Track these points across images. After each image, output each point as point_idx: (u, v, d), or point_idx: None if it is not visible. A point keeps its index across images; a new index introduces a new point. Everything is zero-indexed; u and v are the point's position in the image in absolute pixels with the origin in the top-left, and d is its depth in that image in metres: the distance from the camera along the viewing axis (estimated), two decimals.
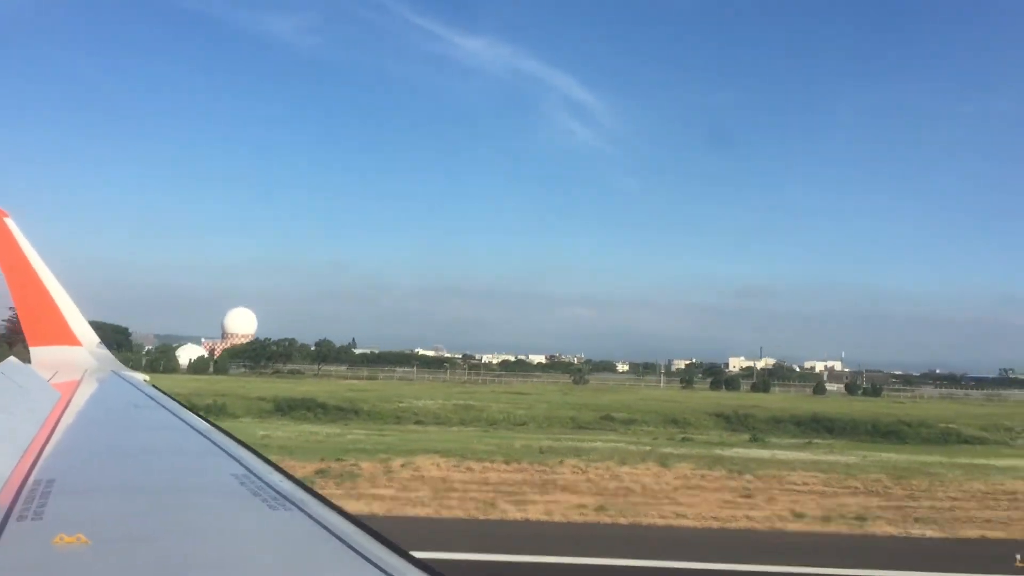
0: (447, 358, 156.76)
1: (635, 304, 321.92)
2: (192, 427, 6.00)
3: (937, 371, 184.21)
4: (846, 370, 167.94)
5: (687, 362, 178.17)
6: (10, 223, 12.72)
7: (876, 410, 64.79)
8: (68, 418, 6.46)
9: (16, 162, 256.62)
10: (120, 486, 3.80)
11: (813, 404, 73.66)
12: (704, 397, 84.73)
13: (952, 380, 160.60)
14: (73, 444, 5.17)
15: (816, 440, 45.93)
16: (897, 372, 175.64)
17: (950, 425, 52.61)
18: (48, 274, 12.87)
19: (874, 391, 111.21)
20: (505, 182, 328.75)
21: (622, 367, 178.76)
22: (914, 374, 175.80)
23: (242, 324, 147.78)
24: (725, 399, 78.84)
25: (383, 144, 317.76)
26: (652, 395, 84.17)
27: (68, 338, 12.85)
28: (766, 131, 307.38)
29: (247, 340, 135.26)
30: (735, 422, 52.91)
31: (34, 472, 3.78)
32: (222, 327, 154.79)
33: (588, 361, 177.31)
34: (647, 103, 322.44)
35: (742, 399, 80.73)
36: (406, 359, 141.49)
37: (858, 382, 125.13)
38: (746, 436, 46.34)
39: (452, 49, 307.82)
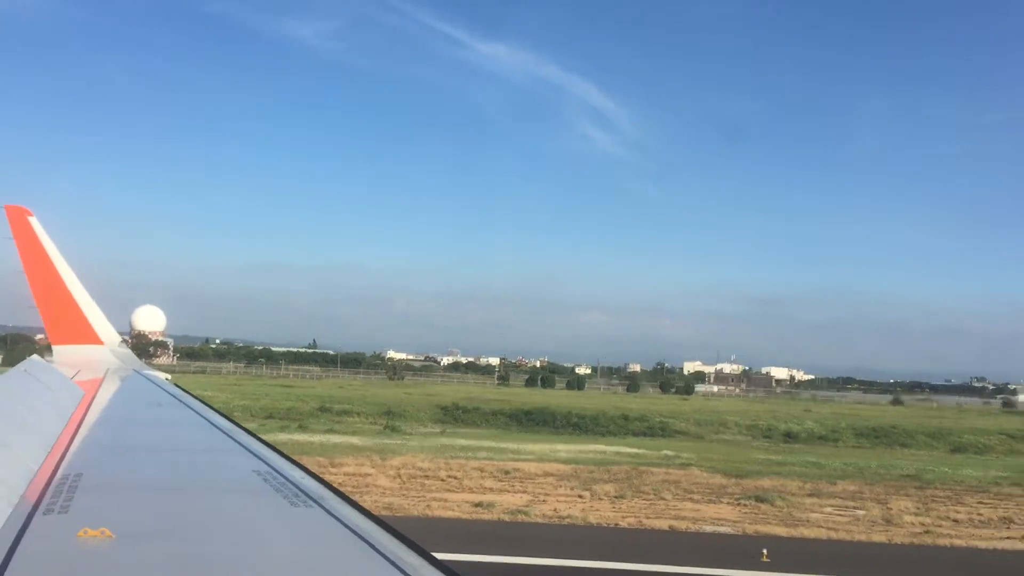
0: (350, 357, 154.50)
1: (635, 309, 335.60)
2: (215, 425, 6.06)
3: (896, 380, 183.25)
4: (795, 376, 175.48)
5: (637, 366, 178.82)
6: (34, 221, 12.63)
7: (603, 404, 66.18)
8: (93, 415, 6.53)
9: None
10: (144, 482, 3.85)
11: (564, 399, 73.30)
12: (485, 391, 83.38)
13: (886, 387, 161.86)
14: (98, 440, 5.23)
15: (451, 428, 47.21)
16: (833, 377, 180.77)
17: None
18: (70, 273, 12.80)
19: (687, 389, 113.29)
20: (522, 185, 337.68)
21: (583, 369, 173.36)
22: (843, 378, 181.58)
23: (150, 321, 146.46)
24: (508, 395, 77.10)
25: (401, 146, 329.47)
26: (421, 390, 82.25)
27: (90, 337, 12.86)
28: (782, 138, 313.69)
29: (155, 337, 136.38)
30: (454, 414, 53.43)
31: (61, 467, 3.84)
32: (130, 324, 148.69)
33: (548, 364, 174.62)
34: (666, 109, 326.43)
35: (521, 396, 78.22)
36: (307, 357, 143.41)
37: (735, 383, 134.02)
38: (453, 426, 48.00)
39: (474, 55, 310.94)
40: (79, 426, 5.55)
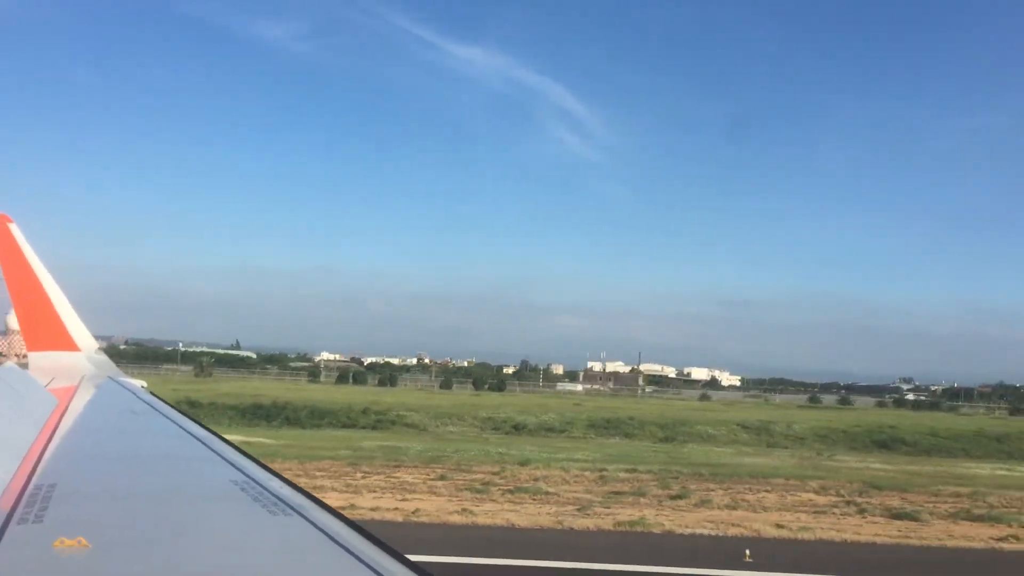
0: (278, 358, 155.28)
1: (608, 311, 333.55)
2: (191, 434, 5.98)
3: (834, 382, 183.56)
4: (717, 377, 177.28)
5: (559, 367, 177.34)
6: (14, 228, 12.61)
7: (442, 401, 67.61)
8: (67, 423, 6.42)
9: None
10: (120, 491, 3.79)
11: (331, 394, 71.11)
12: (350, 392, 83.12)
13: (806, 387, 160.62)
14: (73, 449, 5.15)
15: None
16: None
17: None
18: (49, 279, 12.76)
19: (499, 386, 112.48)
20: (494, 188, 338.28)
21: (510, 370, 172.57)
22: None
23: None
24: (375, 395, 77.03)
25: (373, 149, 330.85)
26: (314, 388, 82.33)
27: (66, 343, 12.75)
28: (753, 141, 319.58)
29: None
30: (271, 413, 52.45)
31: (35, 477, 3.77)
32: (5, 323, 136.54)
33: (475, 364, 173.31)
34: (639, 113, 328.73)
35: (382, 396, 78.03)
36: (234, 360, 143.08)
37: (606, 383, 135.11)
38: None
39: (447, 57, 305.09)
40: (53, 434, 5.43)
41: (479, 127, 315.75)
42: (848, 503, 26.97)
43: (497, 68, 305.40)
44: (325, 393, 72.24)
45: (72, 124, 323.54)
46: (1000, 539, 22.45)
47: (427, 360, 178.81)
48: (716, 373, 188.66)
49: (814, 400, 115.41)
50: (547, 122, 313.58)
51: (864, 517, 24.80)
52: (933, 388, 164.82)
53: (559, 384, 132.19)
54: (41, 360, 12.45)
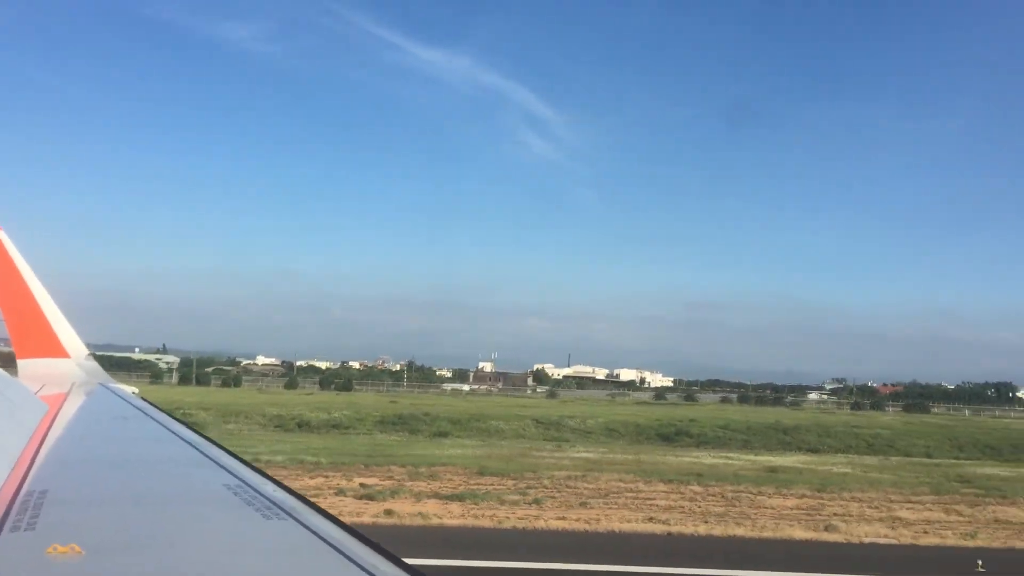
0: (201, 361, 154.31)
1: (574, 314, 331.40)
2: (183, 439, 5.99)
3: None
4: (646, 378, 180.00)
5: (398, 364, 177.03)
6: (3, 236, 12.54)
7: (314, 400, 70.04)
8: (58, 430, 6.45)
9: None
10: (113, 496, 3.78)
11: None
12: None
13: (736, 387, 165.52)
14: (65, 455, 5.14)
15: None
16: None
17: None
18: (39, 286, 12.70)
19: (345, 386, 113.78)
20: (459, 191, 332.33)
21: (444, 372, 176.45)
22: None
23: None
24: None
25: (337, 151, 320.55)
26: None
27: (56, 350, 12.66)
28: (717, 145, 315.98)
29: None
30: None
31: (26, 483, 3.77)
32: None
33: (409, 366, 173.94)
34: (604, 116, 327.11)
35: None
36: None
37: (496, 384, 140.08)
38: None
39: (413, 60, 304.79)
40: (43, 441, 5.44)
41: (445, 130, 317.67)
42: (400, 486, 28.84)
43: (463, 71, 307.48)
44: (159, 394, 73.08)
45: (30, 127, 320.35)
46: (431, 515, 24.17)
47: (383, 363, 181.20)
48: (646, 374, 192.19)
49: (726, 399, 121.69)
50: (513, 124, 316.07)
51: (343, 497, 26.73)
52: (866, 387, 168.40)
53: (445, 384, 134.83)
54: (31, 367, 12.36)
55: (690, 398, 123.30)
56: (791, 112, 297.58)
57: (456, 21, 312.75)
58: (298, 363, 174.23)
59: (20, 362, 12.55)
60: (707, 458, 42.60)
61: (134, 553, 2.69)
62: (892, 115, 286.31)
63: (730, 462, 40.96)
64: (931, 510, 28.36)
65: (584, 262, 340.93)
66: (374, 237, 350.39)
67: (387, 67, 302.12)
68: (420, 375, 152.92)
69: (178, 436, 6.16)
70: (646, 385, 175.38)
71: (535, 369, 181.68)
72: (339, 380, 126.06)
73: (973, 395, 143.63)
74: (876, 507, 28.35)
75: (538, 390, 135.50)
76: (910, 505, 29.19)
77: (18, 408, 6.80)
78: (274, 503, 3.49)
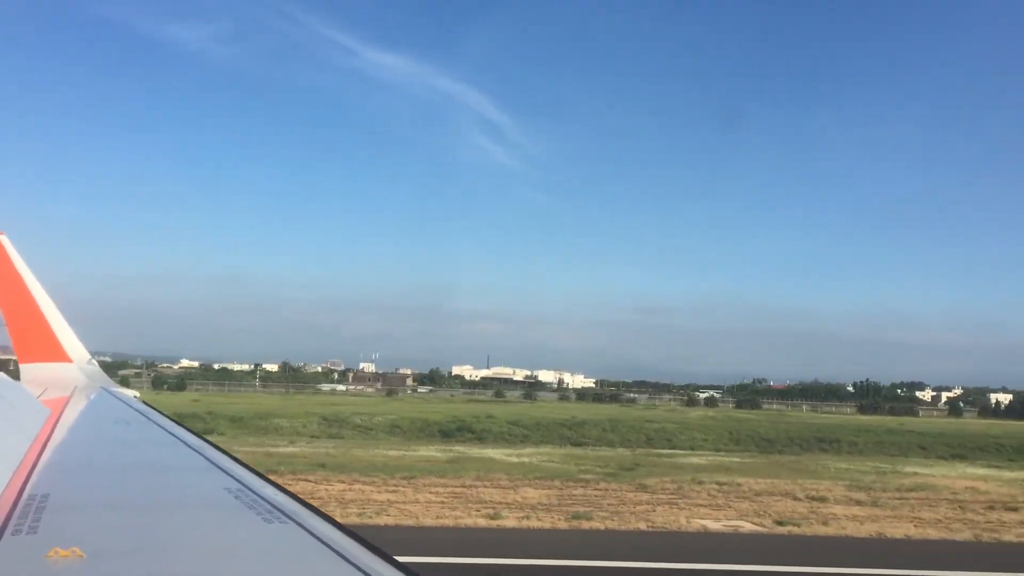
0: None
1: (525, 318, 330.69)
2: (184, 443, 5.99)
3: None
4: (564, 380, 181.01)
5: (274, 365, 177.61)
6: (4, 240, 12.64)
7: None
8: (59, 434, 6.43)
9: None
10: (114, 501, 3.78)
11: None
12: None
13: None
14: (66, 460, 5.13)
15: None
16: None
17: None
18: (40, 291, 12.78)
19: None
20: (414, 195, 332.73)
21: (371, 367, 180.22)
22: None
23: None
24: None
25: (290, 154, 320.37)
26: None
27: (58, 355, 12.73)
28: (669, 150, 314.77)
29: None
30: None
31: (28, 487, 3.76)
32: None
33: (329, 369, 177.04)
34: (558, 122, 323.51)
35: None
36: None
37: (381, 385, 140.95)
38: None
39: (365, 64, 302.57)
40: (45, 445, 5.42)
41: (399, 135, 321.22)
42: None
43: (419, 76, 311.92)
44: None
45: None
46: None
47: (331, 367, 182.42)
48: (566, 375, 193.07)
49: (598, 398, 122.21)
50: (467, 129, 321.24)
51: None
52: (755, 386, 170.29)
53: (320, 385, 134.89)
54: (33, 371, 12.40)
55: (582, 398, 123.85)
56: (749, 115, 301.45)
57: (414, 27, 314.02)
58: (216, 365, 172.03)
59: (22, 366, 12.65)
60: (429, 451, 40.32)
61: (135, 557, 2.69)
62: (845, 120, 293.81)
63: (437, 455, 38.58)
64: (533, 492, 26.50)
65: (533, 266, 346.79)
66: (327, 241, 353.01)
67: (342, 71, 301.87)
68: (294, 376, 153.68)
69: (180, 440, 6.16)
70: (564, 386, 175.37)
71: (452, 371, 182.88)
72: (174, 380, 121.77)
73: (867, 393, 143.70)
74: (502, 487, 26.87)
75: (420, 391, 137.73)
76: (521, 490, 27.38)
77: (20, 412, 6.83)
78: (275, 507, 3.49)
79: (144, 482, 4.41)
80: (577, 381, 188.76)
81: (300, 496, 3.85)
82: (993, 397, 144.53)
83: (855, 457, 44.96)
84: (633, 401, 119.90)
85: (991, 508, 25.91)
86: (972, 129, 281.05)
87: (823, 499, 26.44)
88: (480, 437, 50.17)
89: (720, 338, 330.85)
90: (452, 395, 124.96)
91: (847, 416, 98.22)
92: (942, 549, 19.90)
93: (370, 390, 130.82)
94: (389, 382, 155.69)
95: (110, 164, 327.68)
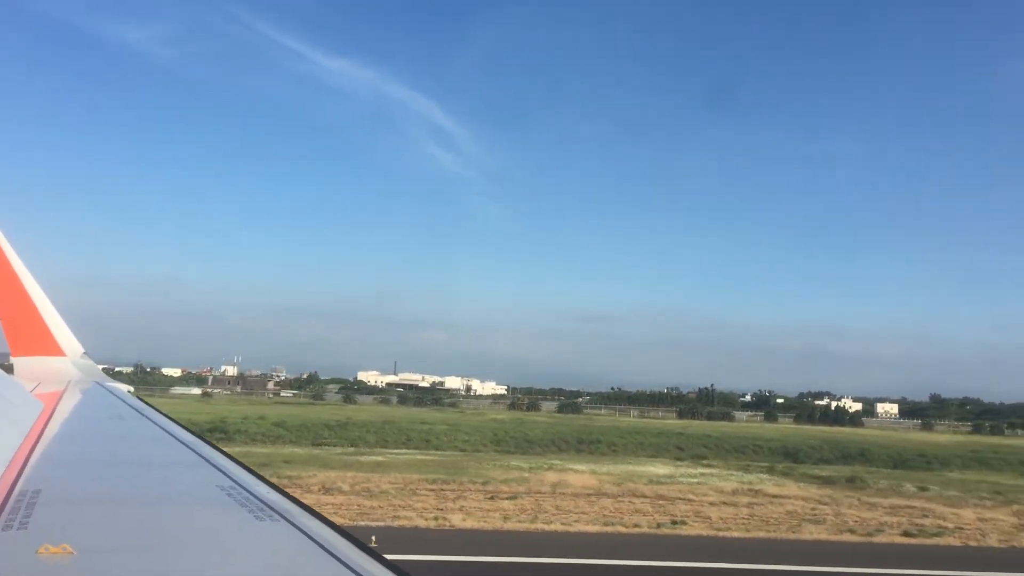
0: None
1: (473, 326, 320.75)
2: (177, 439, 5.98)
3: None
4: (471, 386, 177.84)
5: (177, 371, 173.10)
6: None
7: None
8: (52, 429, 6.41)
9: None
10: (106, 496, 3.78)
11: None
12: None
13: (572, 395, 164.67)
14: (58, 454, 5.12)
15: None
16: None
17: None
18: (34, 285, 12.72)
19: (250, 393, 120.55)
20: (363, 201, 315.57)
21: (281, 373, 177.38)
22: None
23: None
24: None
25: (238, 159, 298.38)
26: None
27: (52, 348, 12.73)
28: (621, 160, 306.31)
29: None
30: None
31: (19, 482, 3.77)
32: None
33: (239, 375, 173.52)
34: (507, 130, 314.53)
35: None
36: None
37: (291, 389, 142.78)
38: None
39: (315, 68, 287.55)
40: (38, 440, 5.43)
41: (347, 140, 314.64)
42: None
43: (367, 81, 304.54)
44: None
45: None
46: None
47: (278, 374, 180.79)
48: (474, 382, 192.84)
49: (562, 407, 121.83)
50: (417, 136, 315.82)
51: None
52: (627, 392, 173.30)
53: (175, 387, 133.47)
54: (27, 365, 12.33)
55: (454, 405, 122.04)
56: (696, 127, 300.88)
57: (362, 32, 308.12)
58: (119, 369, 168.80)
59: (16, 360, 12.52)
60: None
61: (126, 554, 2.71)
62: (787, 136, 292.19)
63: None
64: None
65: (477, 273, 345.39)
66: (272, 245, 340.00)
67: (289, 75, 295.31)
68: (150, 377, 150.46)
69: (173, 436, 6.15)
70: (471, 393, 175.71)
71: (356, 377, 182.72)
72: None
73: (763, 403, 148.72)
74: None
75: (282, 394, 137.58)
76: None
77: (13, 406, 6.78)
78: (267, 504, 3.51)
79: (137, 478, 4.43)
80: (488, 388, 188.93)
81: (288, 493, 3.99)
82: (880, 407, 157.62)
83: (564, 455, 51.34)
84: (455, 406, 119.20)
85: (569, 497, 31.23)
86: (910, 145, 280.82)
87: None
88: (230, 437, 51.82)
89: (657, 347, 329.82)
90: (297, 397, 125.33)
91: (637, 420, 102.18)
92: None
93: (226, 392, 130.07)
94: (249, 385, 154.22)
95: (45, 165, 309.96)
